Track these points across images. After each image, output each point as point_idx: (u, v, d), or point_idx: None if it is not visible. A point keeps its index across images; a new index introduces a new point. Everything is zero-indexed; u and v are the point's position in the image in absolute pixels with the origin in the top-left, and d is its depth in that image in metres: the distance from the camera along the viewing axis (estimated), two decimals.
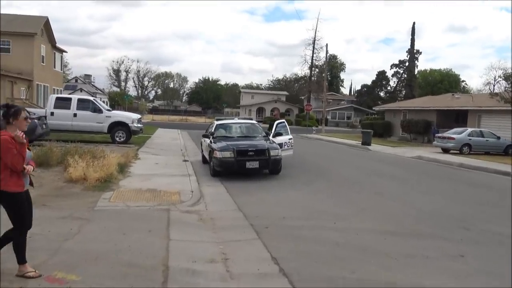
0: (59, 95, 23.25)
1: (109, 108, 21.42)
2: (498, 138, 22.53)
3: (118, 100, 79.73)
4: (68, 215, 6.69)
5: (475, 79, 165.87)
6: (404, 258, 5.27)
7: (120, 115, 20.05)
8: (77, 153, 11.78)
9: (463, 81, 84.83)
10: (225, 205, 8.26)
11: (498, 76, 71.64)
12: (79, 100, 19.06)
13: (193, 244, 5.69)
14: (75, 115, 18.24)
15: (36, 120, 14.88)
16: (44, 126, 16.03)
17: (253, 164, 11.08)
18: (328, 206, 8.37)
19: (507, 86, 21.74)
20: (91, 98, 20.48)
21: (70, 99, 19.01)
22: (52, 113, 18.04)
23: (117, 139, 18.59)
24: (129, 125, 18.82)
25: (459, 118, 31.61)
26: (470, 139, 22.09)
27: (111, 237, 5.68)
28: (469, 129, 23.02)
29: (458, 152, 21.87)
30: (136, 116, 20.03)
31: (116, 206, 7.56)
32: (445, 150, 22.58)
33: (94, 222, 6.43)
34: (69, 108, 18.25)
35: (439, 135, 23.55)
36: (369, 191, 10.16)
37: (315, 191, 10.08)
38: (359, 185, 11.05)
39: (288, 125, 15.28)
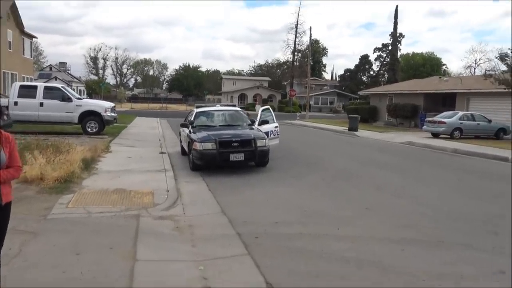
0: (24, 83, 21.54)
1: (79, 97, 19.86)
2: (490, 121, 21.79)
3: (95, 89, 77.22)
4: (11, 228, 5.34)
5: (454, 62, 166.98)
6: (434, 279, 4.15)
7: (92, 103, 18.54)
8: (38, 147, 10.43)
9: (444, 64, 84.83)
10: (207, 207, 7.05)
11: (479, 59, 71.76)
12: (46, 88, 17.45)
13: (165, 266, 4.48)
14: (41, 104, 16.68)
15: None
16: (5, 117, 14.44)
17: (237, 156, 9.87)
18: (326, 205, 7.24)
19: (494, 67, 20.86)
20: (59, 85, 18.84)
21: (35, 87, 17.38)
22: (15, 103, 16.46)
23: (89, 129, 17.15)
24: (102, 114, 17.35)
25: (446, 101, 30.90)
26: (461, 123, 21.29)
27: (59, 260, 4.43)
28: (460, 113, 22.23)
29: (449, 136, 21.06)
30: (109, 104, 18.53)
31: (74, 213, 6.27)
32: (435, 135, 21.76)
33: (42, 237, 5.16)
34: (34, 97, 16.67)
35: (429, 119, 22.69)
36: (368, 185, 9.06)
37: (308, 186, 8.94)
38: (356, 178, 9.96)
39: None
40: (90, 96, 69.97)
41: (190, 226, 5.90)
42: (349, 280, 4.16)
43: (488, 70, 24.52)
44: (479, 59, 74.50)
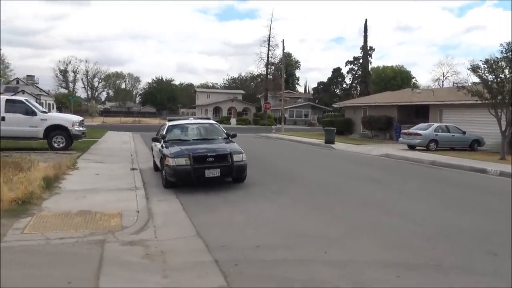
0: None
1: (44, 110, 18.87)
2: (464, 133, 21.95)
3: (65, 102, 75.11)
4: None
5: (422, 75, 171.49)
6: None
7: (58, 117, 17.61)
8: None
9: (413, 77, 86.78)
10: (181, 230, 6.43)
11: (447, 72, 73.70)
12: (8, 101, 16.40)
13: None
14: (3, 118, 15.65)
15: None
16: None
17: (213, 172, 9.28)
18: (311, 224, 6.74)
19: (463, 80, 21.03)
20: (23, 98, 17.81)
21: None
22: None
23: (55, 145, 16.23)
24: (69, 128, 16.46)
25: (419, 113, 31.21)
26: (436, 135, 21.35)
27: None
28: (435, 124, 22.33)
29: (425, 148, 21.07)
30: (77, 118, 17.64)
31: (31, 240, 5.56)
32: (411, 147, 21.75)
33: None
34: None
35: (405, 131, 22.70)
36: (353, 200, 8.64)
37: (290, 202, 8.43)
38: (339, 193, 9.53)
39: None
40: (60, 110, 67.99)
41: (162, 252, 5.29)
42: None
43: (456, 83, 24.89)
44: (447, 72, 76.64)
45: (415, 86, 71.89)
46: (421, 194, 9.60)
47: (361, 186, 10.50)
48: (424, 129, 21.75)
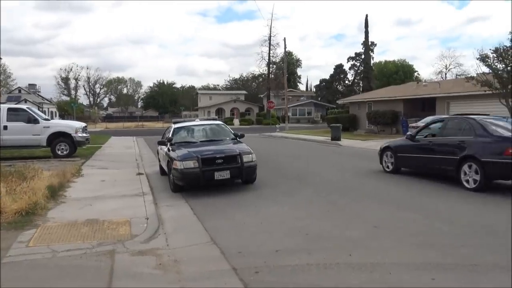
0: None
1: (47, 117, 18.61)
2: None
3: (67, 110, 75.06)
4: None
5: (424, 69, 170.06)
6: None
7: (61, 124, 17.37)
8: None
9: (416, 71, 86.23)
10: (193, 236, 6.11)
11: (449, 64, 73.21)
12: (10, 109, 16.16)
13: None
14: (5, 127, 15.44)
15: None
16: None
17: (223, 174, 8.96)
18: (329, 225, 6.41)
19: (463, 72, 20.70)
20: (25, 106, 17.58)
21: None
22: None
23: (59, 152, 16.01)
24: (73, 135, 16.23)
25: (425, 106, 30.81)
26: None
27: None
28: (443, 117, 21.93)
29: None
30: (80, 124, 17.39)
31: (36, 253, 5.26)
32: None
33: None
34: None
35: (413, 125, 22.30)
36: (369, 198, 8.30)
37: (303, 203, 8.10)
38: (353, 190, 9.19)
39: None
40: (62, 117, 67.87)
41: (175, 261, 4.98)
42: None
43: (459, 75, 24.54)
44: (449, 64, 76.13)
45: (418, 79, 71.43)
46: (437, 189, 9.23)
47: (373, 182, 10.17)
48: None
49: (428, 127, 11.27)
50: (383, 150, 12.16)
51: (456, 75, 69.91)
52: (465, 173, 8.90)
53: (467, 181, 8.81)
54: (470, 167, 8.79)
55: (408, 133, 12.09)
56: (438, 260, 4.70)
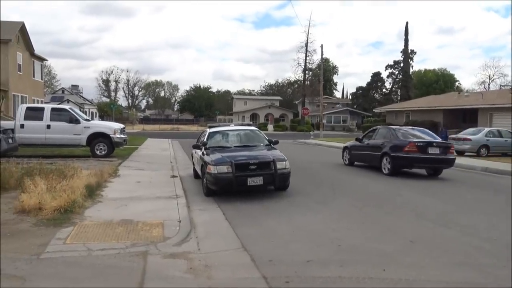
0: (30, 105, 21.11)
1: (87, 118, 19.24)
2: None
3: (107, 111, 77.53)
4: None
5: (465, 79, 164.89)
6: None
7: (101, 125, 17.87)
8: (41, 172, 9.66)
9: (457, 80, 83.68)
10: (225, 241, 6.11)
11: (493, 74, 70.65)
12: (53, 109, 16.82)
13: None
14: (48, 126, 16.08)
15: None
16: (10, 140, 13.80)
17: (256, 180, 8.95)
18: (363, 237, 6.25)
19: (508, 83, 19.81)
20: (67, 107, 18.23)
21: (42, 109, 16.77)
22: (22, 125, 15.88)
23: (98, 152, 16.48)
24: (111, 136, 16.68)
25: (466, 117, 29.82)
26: (488, 140, 20.21)
27: None
28: (486, 129, 21.15)
29: (475, 154, 19.94)
30: (118, 126, 17.86)
31: (73, 250, 5.40)
32: (460, 153, 20.61)
33: (31, 285, 4.29)
34: (41, 119, 16.09)
35: (453, 136, 21.62)
36: (405, 211, 8.06)
37: (337, 213, 7.96)
38: (388, 203, 8.95)
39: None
40: (102, 118, 70.16)
41: (206, 266, 4.98)
42: None
43: (503, 85, 23.56)
44: (493, 75, 73.41)
45: (459, 89, 69.24)
46: (481, 205, 8.86)
47: (410, 195, 9.87)
48: (474, 134, 20.66)
49: (369, 133, 15.38)
50: (343, 149, 16.75)
51: (500, 85, 67.48)
52: (384, 164, 13.34)
53: (385, 169, 13.30)
54: (386, 159, 13.23)
55: (357, 137, 16.27)
56: (475, 279, 4.47)
